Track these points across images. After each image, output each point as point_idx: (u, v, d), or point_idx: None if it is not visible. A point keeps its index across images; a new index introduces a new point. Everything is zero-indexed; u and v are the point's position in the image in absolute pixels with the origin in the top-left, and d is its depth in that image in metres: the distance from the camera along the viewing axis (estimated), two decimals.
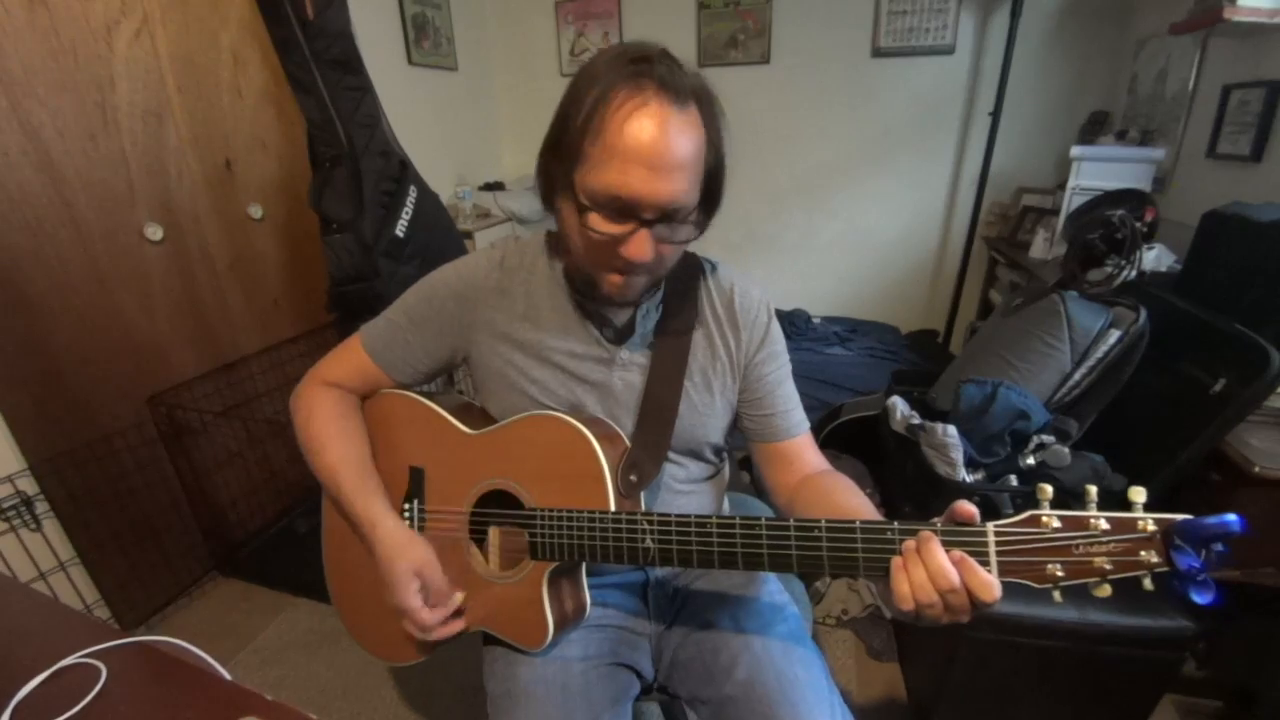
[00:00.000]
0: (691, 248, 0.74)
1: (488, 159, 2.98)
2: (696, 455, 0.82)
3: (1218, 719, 1.28)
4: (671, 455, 0.79)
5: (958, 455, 1.26)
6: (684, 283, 0.79)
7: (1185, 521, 0.47)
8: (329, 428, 0.81)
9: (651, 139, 0.58)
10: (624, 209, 0.61)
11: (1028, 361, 1.34)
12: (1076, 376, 1.30)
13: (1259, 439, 1.10)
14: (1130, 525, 0.49)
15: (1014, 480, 1.25)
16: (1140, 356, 1.25)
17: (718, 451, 0.85)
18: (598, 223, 0.62)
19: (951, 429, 1.28)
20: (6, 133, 1.31)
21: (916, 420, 1.40)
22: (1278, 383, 1.02)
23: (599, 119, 0.59)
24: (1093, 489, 0.52)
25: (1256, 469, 1.05)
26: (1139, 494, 0.50)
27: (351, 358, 0.83)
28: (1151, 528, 0.49)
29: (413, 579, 0.73)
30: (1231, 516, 0.45)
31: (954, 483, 1.25)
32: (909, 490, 1.43)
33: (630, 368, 0.77)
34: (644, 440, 0.75)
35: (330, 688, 1.45)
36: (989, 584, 0.51)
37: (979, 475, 1.28)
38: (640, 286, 0.70)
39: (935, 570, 0.52)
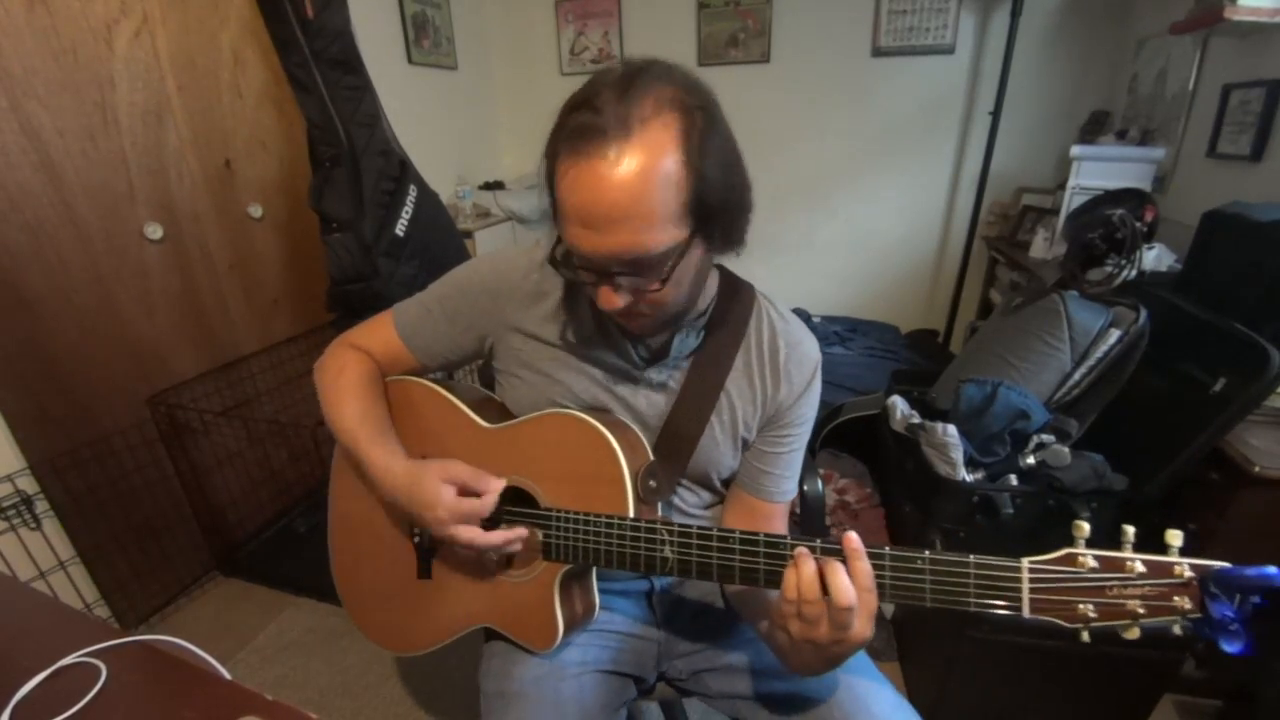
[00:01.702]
0: None
1: (488, 159, 2.98)
2: (707, 485, 0.81)
3: (1218, 719, 1.28)
4: (681, 480, 0.79)
5: (958, 455, 1.26)
6: (731, 312, 0.75)
7: (1224, 570, 0.46)
8: (357, 386, 0.79)
9: (581, 198, 0.56)
10: (584, 265, 0.61)
11: (1028, 361, 1.34)
12: (1076, 376, 1.30)
13: (1259, 439, 1.10)
14: (1167, 570, 0.48)
15: (1014, 480, 1.25)
16: (1140, 356, 1.25)
17: (727, 484, 0.83)
18: (580, 272, 0.62)
19: (951, 428, 1.28)
20: (6, 133, 1.31)
21: (916, 420, 1.41)
22: (1278, 383, 1.02)
23: (553, 177, 0.58)
24: (1130, 529, 0.50)
25: (1256, 469, 1.05)
26: (1175, 537, 0.48)
27: (382, 333, 0.83)
28: (1188, 574, 0.48)
29: (443, 485, 0.69)
30: (1272, 569, 0.44)
31: (954, 482, 1.25)
32: (909, 490, 1.43)
33: (658, 389, 0.75)
34: (659, 464, 0.73)
35: (330, 687, 1.45)
36: (845, 590, 0.53)
37: (979, 475, 1.28)
38: (648, 325, 0.68)
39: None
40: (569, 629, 0.72)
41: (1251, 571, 0.45)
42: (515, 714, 0.71)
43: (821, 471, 1.79)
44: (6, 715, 0.55)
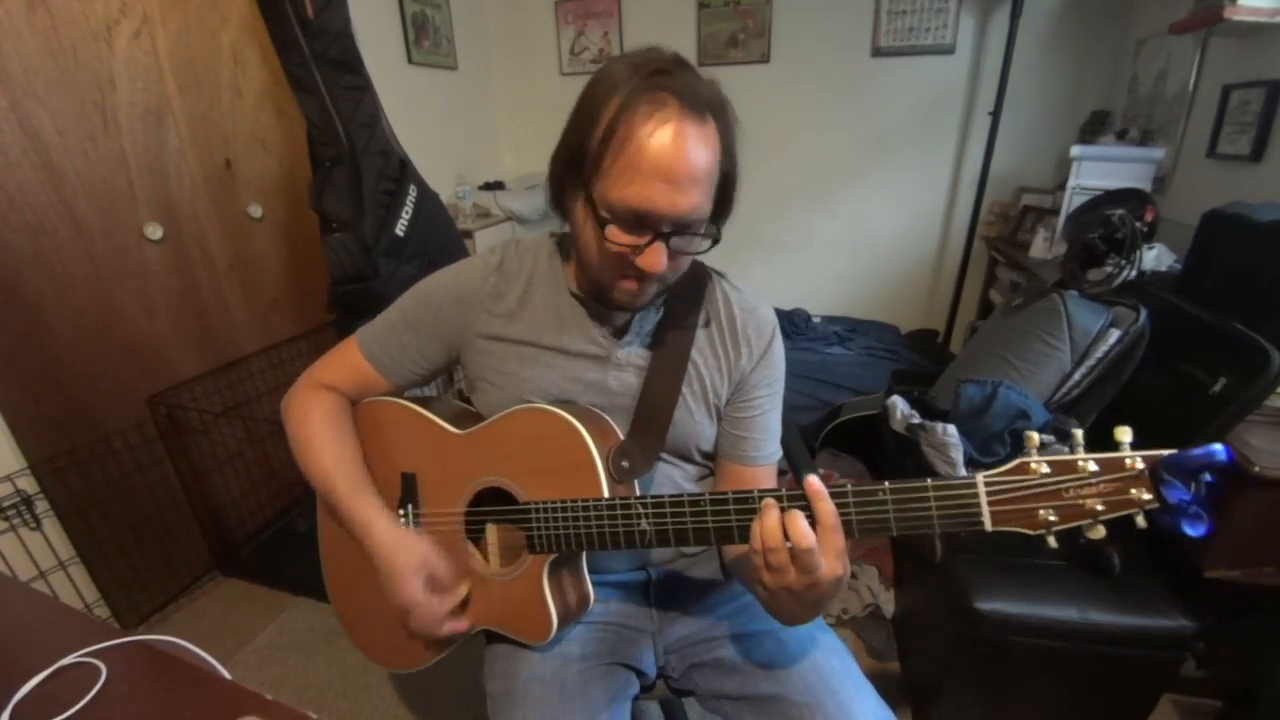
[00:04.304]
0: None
1: (488, 159, 2.98)
2: (687, 458, 0.82)
3: (1218, 719, 1.28)
4: (664, 456, 0.80)
5: (958, 455, 1.26)
6: (688, 288, 0.78)
7: (1172, 455, 0.48)
8: (325, 431, 0.80)
9: (672, 154, 0.59)
10: (642, 222, 0.62)
11: (1028, 361, 1.34)
12: (1076, 376, 1.30)
13: (1259, 439, 1.09)
14: (1118, 465, 0.50)
15: None
16: (1140, 356, 1.25)
17: (709, 456, 0.84)
18: (615, 234, 0.62)
19: (951, 428, 1.28)
20: (6, 133, 1.31)
21: (917, 420, 1.40)
22: (1278, 383, 1.02)
23: (620, 133, 0.59)
24: (1078, 432, 0.52)
25: (1256, 469, 1.04)
26: (1125, 433, 0.50)
27: (347, 360, 0.83)
28: (1139, 465, 0.49)
29: (415, 573, 0.72)
30: (1217, 446, 0.45)
31: None
32: None
33: (626, 368, 0.76)
34: (636, 441, 0.75)
35: (330, 688, 1.45)
36: (804, 534, 0.54)
37: None
38: (652, 293, 0.70)
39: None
40: (563, 619, 0.72)
41: (1197, 451, 0.46)
42: (521, 712, 0.71)
43: (821, 471, 1.79)
44: (6, 715, 0.55)
